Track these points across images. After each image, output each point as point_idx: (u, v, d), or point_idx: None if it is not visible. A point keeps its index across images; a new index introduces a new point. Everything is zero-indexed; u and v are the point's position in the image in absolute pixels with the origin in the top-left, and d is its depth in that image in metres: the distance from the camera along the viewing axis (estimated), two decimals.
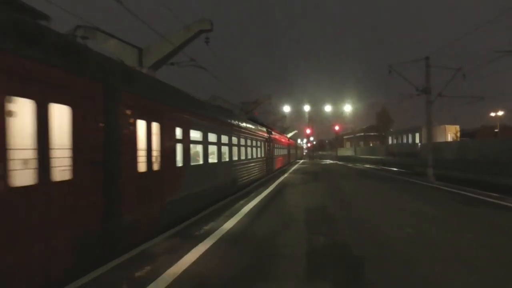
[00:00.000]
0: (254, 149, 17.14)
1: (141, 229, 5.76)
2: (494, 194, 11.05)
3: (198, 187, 8.73)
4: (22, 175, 3.55)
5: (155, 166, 6.42)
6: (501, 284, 3.84)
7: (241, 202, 9.58)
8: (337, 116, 47.84)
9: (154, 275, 4.00)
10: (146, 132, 6.13)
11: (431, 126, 20.32)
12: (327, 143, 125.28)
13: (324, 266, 4.34)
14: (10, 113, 3.48)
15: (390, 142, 64.66)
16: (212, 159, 10.29)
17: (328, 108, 41.93)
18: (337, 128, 54.64)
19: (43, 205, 3.74)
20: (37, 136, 3.77)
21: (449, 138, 51.57)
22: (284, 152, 36.00)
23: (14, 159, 3.46)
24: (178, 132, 7.55)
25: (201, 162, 9.25)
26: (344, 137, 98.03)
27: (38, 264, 3.67)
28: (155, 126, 6.43)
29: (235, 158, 13.00)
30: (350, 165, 37.23)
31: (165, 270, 4.15)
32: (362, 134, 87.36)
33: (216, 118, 10.66)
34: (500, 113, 55.97)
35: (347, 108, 41.21)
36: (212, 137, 10.07)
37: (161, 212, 6.54)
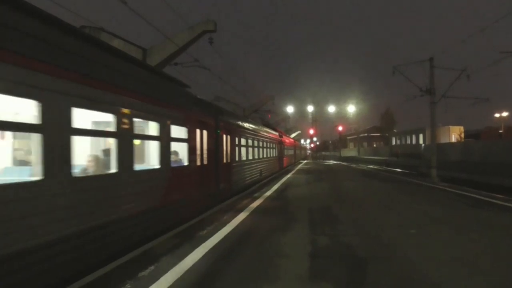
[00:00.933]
0: (271, 150, 22.13)
1: (225, 193, 10.67)
2: (499, 196, 10.96)
3: (244, 174, 14.00)
4: (198, 161, 8.35)
5: (228, 160, 11.35)
6: (506, 285, 3.81)
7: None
8: (341, 116, 47.81)
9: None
10: (225, 140, 10.92)
11: (435, 127, 20.23)
12: (330, 144, 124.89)
13: (328, 266, 4.34)
14: (196, 136, 8.22)
15: (393, 143, 64.36)
16: (250, 156, 15.27)
17: (331, 108, 42.01)
18: (340, 128, 54.51)
19: (203, 173, 8.62)
20: (200, 145, 8.51)
21: (453, 139, 51.27)
22: (291, 152, 37.22)
23: (197, 154, 8.23)
24: (236, 140, 12.48)
25: (244, 158, 14.13)
26: (348, 137, 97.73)
27: (202, 198, 8.55)
28: (228, 137, 11.28)
29: (261, 156, 18.15)
30: (353, 165, 37.12)
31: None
32: (366, 134, 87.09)
33: (250, 128, 15.36)
34: (505, 114, 55.64)
35: (351, 108, 41.25)
36: (250, 142, 15.14)
37: (232, 186, 11.72)
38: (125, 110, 5.17)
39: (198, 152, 8.42)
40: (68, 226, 3.89)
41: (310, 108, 43.91)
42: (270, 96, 34.37)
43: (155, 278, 3.86)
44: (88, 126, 5.58)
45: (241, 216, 7.59)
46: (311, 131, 55.41)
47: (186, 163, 7.65)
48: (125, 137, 5.11)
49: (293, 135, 57.62)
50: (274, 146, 23.54)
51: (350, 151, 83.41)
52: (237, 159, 12.61)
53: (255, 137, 16.45)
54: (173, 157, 7.14)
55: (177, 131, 7.15)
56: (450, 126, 53.10)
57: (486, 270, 4.18)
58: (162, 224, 6.24)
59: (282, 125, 45.98)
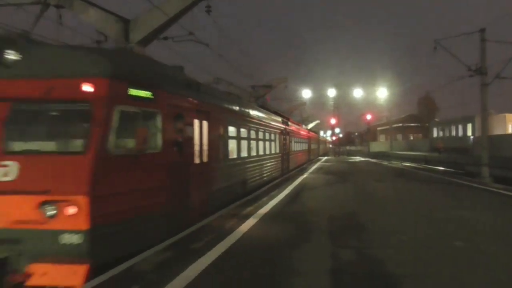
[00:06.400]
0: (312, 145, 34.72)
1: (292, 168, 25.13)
2: None
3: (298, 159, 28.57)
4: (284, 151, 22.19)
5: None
6: None
7: None
8: (369, 103, 47.32)
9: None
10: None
11: (486, 115, 19.92)
12: (356, 136, 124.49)
13: (354, 285, 4.29)
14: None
15: (435, 135, 63.79)
16: (296, 148, 27.48)
17: (357, 93, 41.10)
18: (369, 117, 54.04)
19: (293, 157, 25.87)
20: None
21: (510, 129, 50.59)
22: (304, 147, 37.24)
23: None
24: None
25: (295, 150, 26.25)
26: (378, 129, 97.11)
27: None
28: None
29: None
30: (385, 163, 36.91)
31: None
32: (400, 125, 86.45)
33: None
34: None
35: (382, 93, 40.51)
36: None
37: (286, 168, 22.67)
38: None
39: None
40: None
41: (331, 92, 43.24)
42: (283, 78, 34.20)
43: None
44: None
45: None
46: (333, 121, 55.12)
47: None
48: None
49: (310, 126, 57.52)
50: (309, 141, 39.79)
51: (381, 145, 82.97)
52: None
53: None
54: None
55: None
56: (506, 114, 52.32)
57: None
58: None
59: (296, 113, 45.81)
